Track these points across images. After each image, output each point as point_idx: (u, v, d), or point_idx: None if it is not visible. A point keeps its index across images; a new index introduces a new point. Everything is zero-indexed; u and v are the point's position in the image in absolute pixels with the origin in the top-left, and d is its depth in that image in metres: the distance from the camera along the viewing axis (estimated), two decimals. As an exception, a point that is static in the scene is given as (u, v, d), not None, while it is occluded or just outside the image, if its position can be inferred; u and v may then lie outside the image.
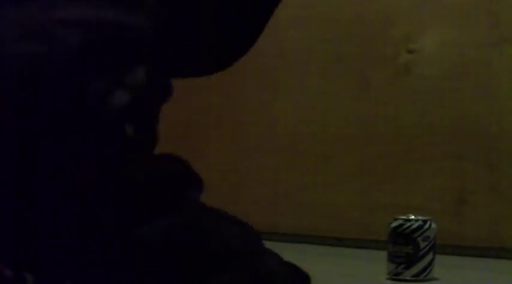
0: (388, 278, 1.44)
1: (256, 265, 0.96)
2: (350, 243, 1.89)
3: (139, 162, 0.94)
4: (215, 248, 0.94)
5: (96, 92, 0.89)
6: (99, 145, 0.90)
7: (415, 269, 1.42)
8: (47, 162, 0.88)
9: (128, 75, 0.92)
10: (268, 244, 0.97)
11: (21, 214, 0.91)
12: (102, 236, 0.90)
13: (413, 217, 1.44)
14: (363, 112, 1.91)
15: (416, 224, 1.43)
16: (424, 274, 1.43)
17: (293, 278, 1.00)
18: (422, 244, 1.42)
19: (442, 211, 1.79)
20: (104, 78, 0.90)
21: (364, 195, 1.89)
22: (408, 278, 1.42)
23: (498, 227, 1.77)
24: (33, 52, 0.89)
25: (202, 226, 0.94)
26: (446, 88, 1.84)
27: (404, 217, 1.44)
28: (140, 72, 0.93)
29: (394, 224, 1.44)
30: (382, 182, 1.88)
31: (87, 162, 0.90)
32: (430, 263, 1.43)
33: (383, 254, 1.47)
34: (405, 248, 1.42)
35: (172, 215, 0.91)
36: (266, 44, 2.02)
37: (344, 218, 1.92)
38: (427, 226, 1.43)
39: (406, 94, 1.87)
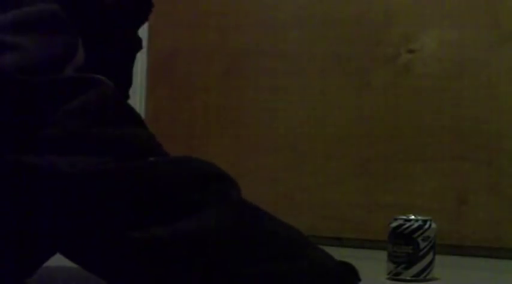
0: (388, 278, 1.44)
1: (309, 256, 0.97)
2: (350, 243, 1.89)
3: (157, 161, 0.92)
4: (263, 238, 0.94)
5: None
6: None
7: (415, 269, 1.42)
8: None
9: None
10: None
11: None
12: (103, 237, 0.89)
13: (413, 217, 1.44)
14: (363, 112, 1.91)
15: (416, 224, 1.42)
16: (424, 274, 1.42)
17: (342, 269, 1.02)
18: (422, 244, 1.42)
19: (442, 211, 1.79)
20: None
21: (364, 195, 1.89)
22: (408, 278, 1.42)
23: (498, 227, 1.77)
24: None
25: (248, 223, 0.94)
26: (446, 88, 1.84)
27: (405, 217, 1.44)
28: None
29: (394, 224, 1.44)
30: (382, 182, 1.88)
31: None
32: (430, 263, 1.43)
33: (383, 254, 1.47)
34: (405, 248, 1.42)
35: (202, 214, 0.90)
36: (266, 44, 2.03)
37: (344, 218, 1.92)
38: (427, 226, 1.43)
39: (406, 94, 1.87)
